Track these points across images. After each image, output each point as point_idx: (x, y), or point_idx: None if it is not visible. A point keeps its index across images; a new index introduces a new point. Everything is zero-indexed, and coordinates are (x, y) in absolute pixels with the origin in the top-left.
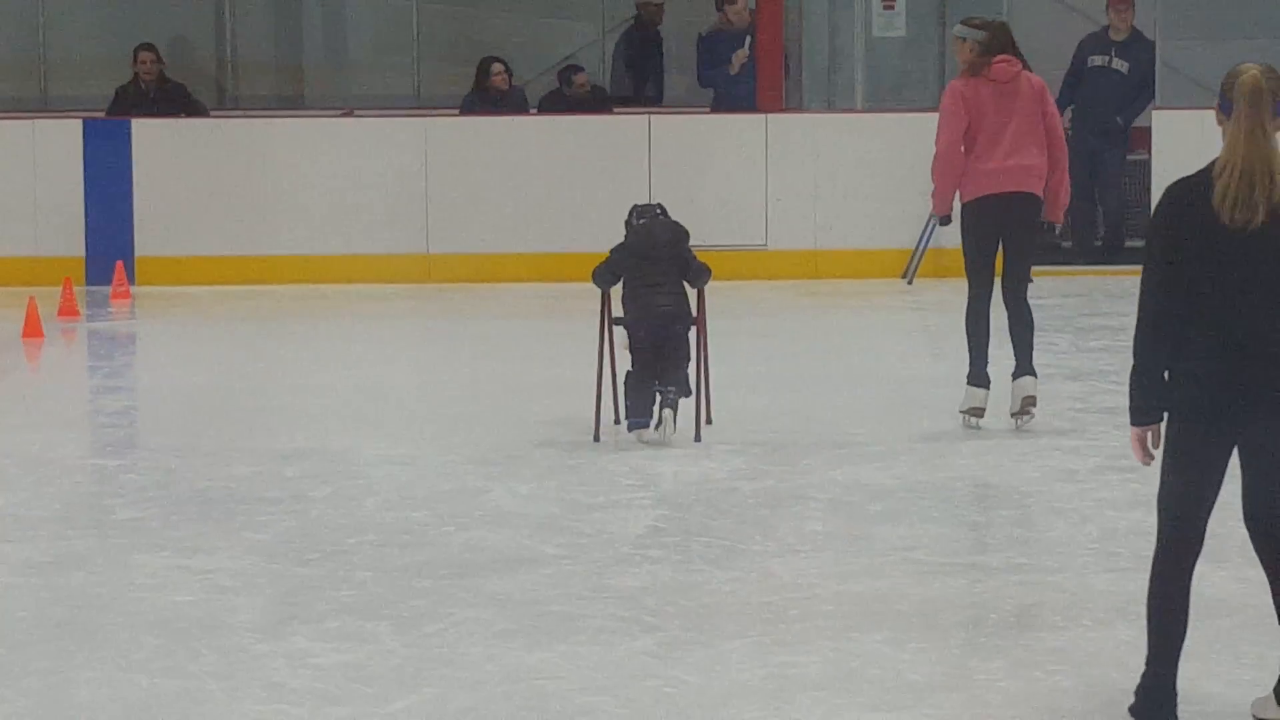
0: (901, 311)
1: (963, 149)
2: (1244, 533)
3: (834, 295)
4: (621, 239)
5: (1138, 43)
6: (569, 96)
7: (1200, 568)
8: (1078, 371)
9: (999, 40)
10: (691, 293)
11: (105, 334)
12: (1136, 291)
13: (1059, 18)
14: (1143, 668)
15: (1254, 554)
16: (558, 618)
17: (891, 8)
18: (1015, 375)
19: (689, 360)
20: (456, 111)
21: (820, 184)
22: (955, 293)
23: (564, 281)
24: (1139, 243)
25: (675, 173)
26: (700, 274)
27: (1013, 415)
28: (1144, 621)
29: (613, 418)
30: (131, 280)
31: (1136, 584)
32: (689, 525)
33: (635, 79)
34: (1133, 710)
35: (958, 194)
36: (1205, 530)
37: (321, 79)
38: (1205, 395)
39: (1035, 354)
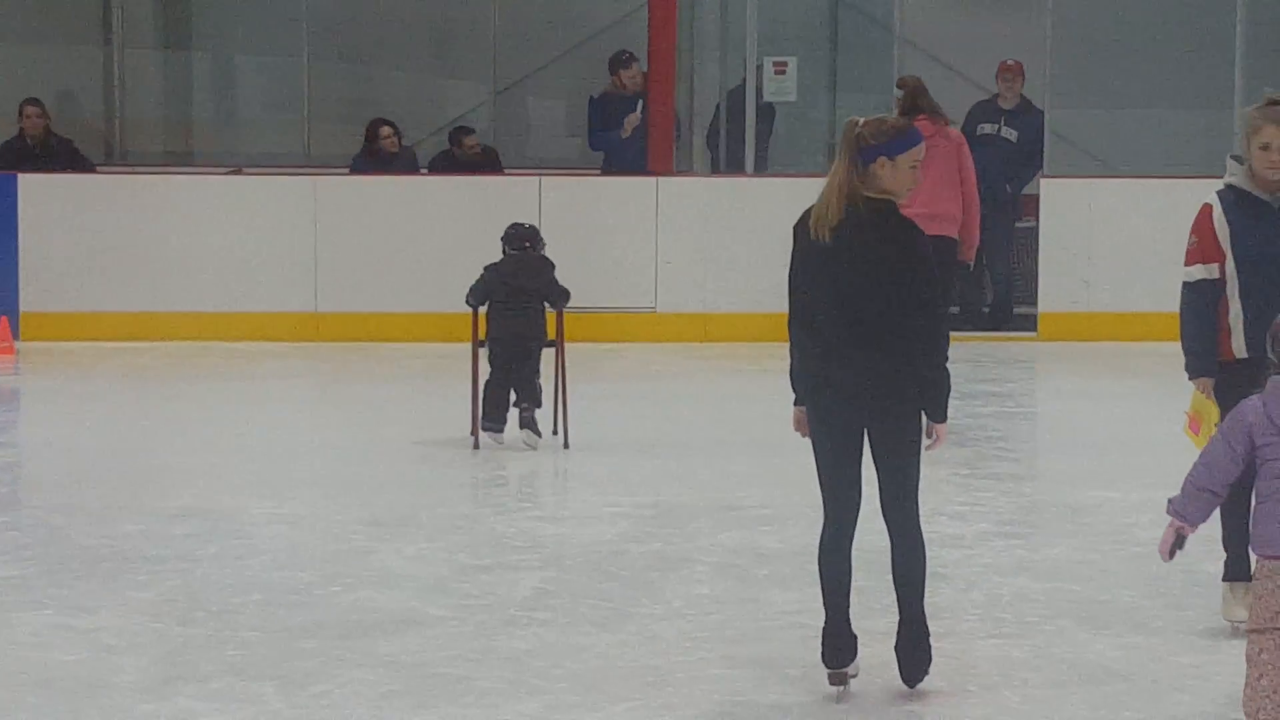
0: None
1: None
2: (1128, 599)
3: (723, 358)
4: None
5: (1027, 111)
6: (459, 158)
7: (1082, 634)
8: (965, 437)
9: (910, 99)
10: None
11: None
12: (1026, 358)
13: (949, 85)
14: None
15: (1138, 620)
16: (444, 680)
17: (783, 73)
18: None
19: (538, 374)
20: (346, 170)
21: (710, 247)
22: None
23: (454, 341)
24: (1028, 309)
25: (566, 234)
26: (562, 297)
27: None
28: (1028, 687)
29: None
30: (16, 336)
31: (1022, 650)
32: (576, 588)
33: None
34: (822, 656)
35: None
36: (858, 502)
37: (211, 136)
38: (817, 392)
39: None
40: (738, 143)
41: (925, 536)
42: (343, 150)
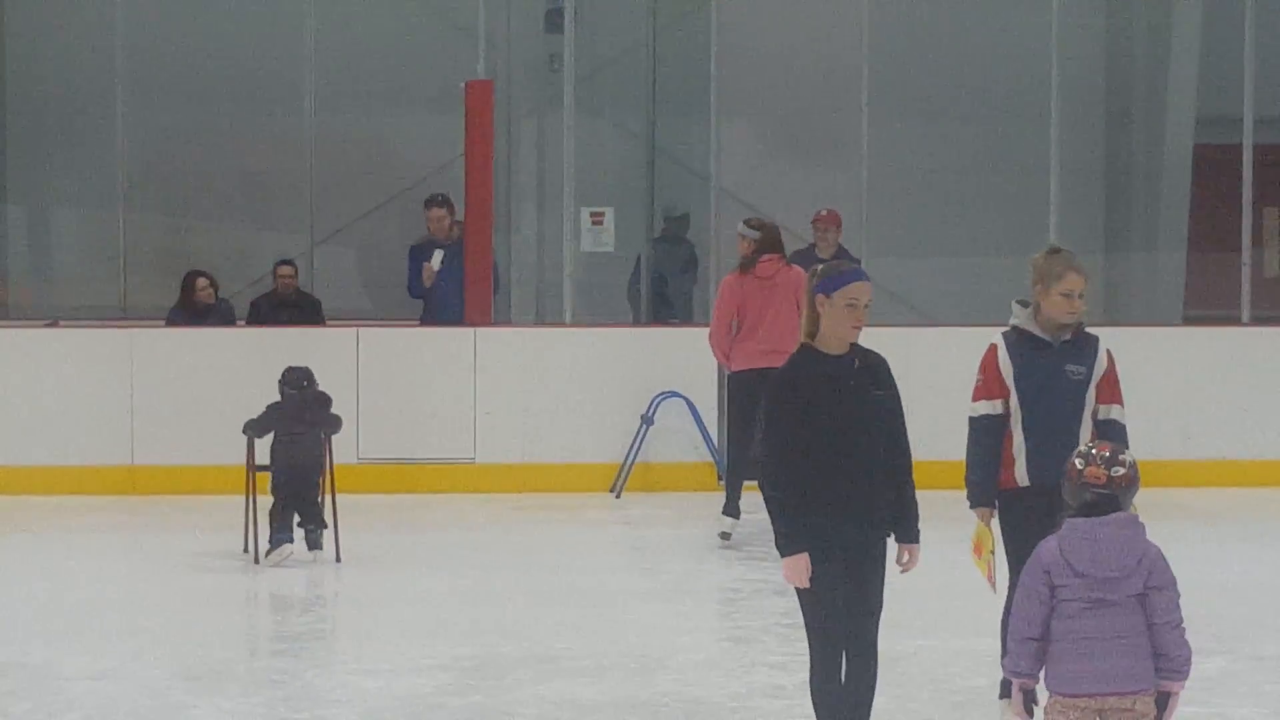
0: (610, 525)
1: (733, 328)
2: None
3: (543, 509)
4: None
5: (843, 260)
6: (276, 293)
7: None
8: (783, 586)
9: (767, 241)
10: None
11: None
12: None
13: None
14: None
15: None
16: None
17: (600, 223)
18: None
19: (320, 497)
20: (163, 322)
21: (529, 397)
22: (663, 507)
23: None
24: None
25: (384, 385)
26: (338, 425)
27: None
28: None
29: (255, 545)
30: None
31: None
32: None
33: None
34: None
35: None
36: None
37: (26, 288)
38: None
39: (747, 565)
40: (659, 294)
41: (745, 688)
42: (159, 302)
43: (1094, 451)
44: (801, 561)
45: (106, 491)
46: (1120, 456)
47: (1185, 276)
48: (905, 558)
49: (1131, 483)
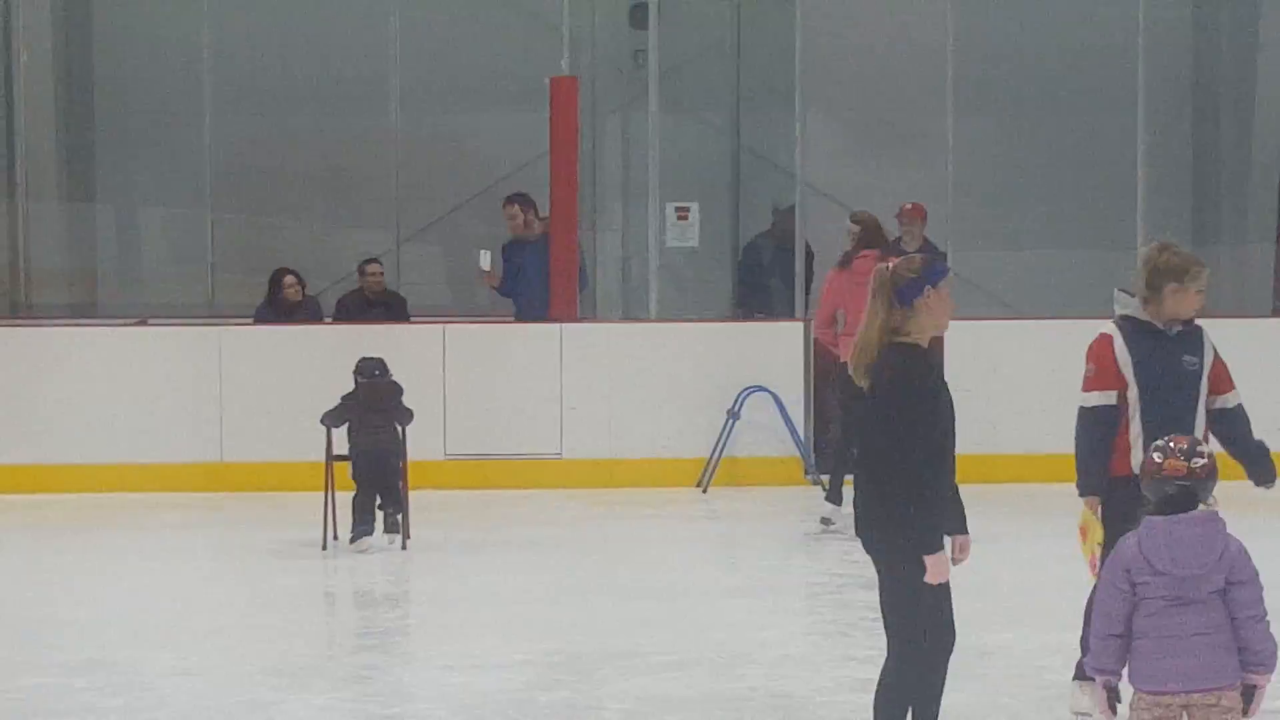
0: (696, 520)
1: (839, 320)
2: None
3: (629, 504)
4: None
5: (930, 254)
6: (364, 289)
7: None
8: (870, 580)
9: (865, 237)
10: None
11: None
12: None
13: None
14: None
15: None
16: None
17: (685, 219)
18: None
19: (400, 482)
20: (250, 320)
21: (615, 393)
22: (750, 501)
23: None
24: None
25: (470, 381)
26: (410, 417)
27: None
28: None
29: (333, 535)
30: None
31: None
32: None
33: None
34: None
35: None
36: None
37: (115, 288)
38: None
39: (834, 559)
40: (774, 287)
41: (831, 682)
42: (246, 300)
43: (1172, 444)
44: (945, 558)
45: (195, 489)
46: (1199, 448)
47: (1275, 269)
48: (958, 549)
49: (1211, 473)
